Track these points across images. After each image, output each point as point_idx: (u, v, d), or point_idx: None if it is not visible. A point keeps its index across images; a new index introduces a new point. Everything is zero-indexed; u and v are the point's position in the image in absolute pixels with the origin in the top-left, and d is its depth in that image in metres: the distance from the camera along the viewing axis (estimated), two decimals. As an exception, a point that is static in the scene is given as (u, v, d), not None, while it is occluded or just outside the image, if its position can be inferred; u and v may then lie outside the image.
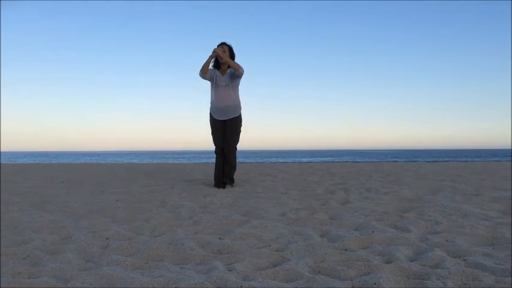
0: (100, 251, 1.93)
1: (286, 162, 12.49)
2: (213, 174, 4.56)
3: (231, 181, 4.43)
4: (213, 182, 4.70)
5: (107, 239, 2.17)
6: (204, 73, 4.23)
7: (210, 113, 4.39)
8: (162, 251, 1.92)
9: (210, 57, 4.20)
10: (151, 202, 3.40)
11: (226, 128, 4.33)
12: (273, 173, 6.60)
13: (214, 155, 4.45)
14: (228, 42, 4.34)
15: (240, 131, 4.37)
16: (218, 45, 4.28)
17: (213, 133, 4.40)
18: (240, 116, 4.36)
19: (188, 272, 1.61)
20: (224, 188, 4.32)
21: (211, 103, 4.36)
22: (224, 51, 4.24)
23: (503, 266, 1.61)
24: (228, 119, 4.31)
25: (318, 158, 36.16)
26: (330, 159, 35.05)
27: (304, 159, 30.87)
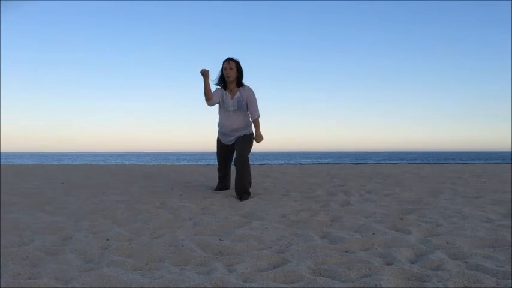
0: (100, 252, 1.93)
1: (286, 164, 12.50)
2: (217, 178, 4.33)
3: (248, 195, 3.72)
4: (214, 185, 4.72)
5: (107, 240, 2.17)
6: (209, 100, 3.66)
7: (218, 136, 4.07)
8: (162, 252, 1.92)
9: (205, 81, 3.58)
10: (152, 203, 3.39)
11: (236, 141, 3.90)
12: (273, 174, 6.59)
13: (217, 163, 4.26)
14: (236, 58, 3.79)
15: (252, 141, 3.90)
16: (224, 61, 3.75)
17: (217, 153, 4.14)
18: (251, 132, 3.94)
19: (188, 273, 1.61)
20: (241, 200, 3.61)
21: (219, 126, 3.96)
22: (231, 68, 3.72)
23: (504, 269, 1.61)
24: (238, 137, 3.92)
25: (317, 160, 36.18)
26: (329, 160, 35.07)
27: (304, 161, 30.89)
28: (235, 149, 3.90)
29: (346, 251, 1.93)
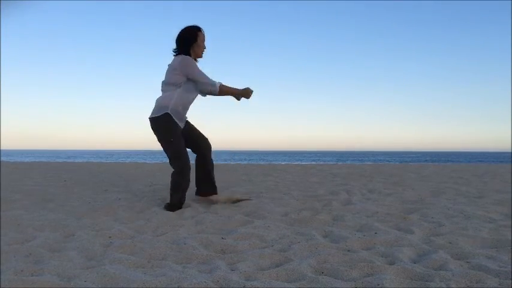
0: (102, 250, 1.93)
1: (288, 163, 12.50)
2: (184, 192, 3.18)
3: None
4: (217, 185, 4.64)
5: (110, 237, 2.17)
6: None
7: (174, 120, 3.01)
8: (164, 250, 1.92)
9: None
10: (154, 201, 3.40)
11: (189, 129, 3.27)
12: (275, 173, 6.59)
13: (184, 172, 3.15)
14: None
15: None
16: (201, 32, 3.05)
17: (177, 143, 3.06)
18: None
19: (191, 271, 1.61)
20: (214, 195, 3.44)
21: (177, 108, 3.02)
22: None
23: (506, 269, 1.61)
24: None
25: (319, 159, 36.18)
26: (330, 159, 35.07)
27: (306, 160, 30.88)
28: (199, 141, 3.32)
29: (349, 250, 1.92)
